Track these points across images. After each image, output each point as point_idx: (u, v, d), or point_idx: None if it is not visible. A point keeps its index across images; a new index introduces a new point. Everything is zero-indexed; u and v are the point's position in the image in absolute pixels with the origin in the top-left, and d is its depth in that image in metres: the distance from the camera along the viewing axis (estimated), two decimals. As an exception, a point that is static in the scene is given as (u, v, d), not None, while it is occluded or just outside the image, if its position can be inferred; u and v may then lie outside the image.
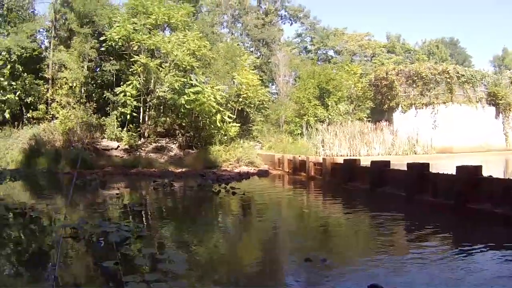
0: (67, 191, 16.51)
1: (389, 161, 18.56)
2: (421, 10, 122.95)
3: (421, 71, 40.81)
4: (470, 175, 12.75)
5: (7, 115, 34.01)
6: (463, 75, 41.30)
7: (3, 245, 9.72)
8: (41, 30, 39.98)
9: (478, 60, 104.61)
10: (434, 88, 40.69)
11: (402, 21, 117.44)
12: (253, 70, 40.46)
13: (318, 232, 11.82)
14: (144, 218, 13.66)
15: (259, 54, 56.80)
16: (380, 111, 40.79)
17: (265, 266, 8.67)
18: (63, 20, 37.25)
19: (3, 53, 33.67)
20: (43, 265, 8.39)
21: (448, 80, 40.59)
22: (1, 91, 33.80)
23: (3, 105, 34.08)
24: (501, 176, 17.46)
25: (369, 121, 38.08)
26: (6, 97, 33.57)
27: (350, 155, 31.70)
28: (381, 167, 17.84)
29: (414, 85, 40.86)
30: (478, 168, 12.99)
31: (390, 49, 71.46)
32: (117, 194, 18.47)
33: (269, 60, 53.86)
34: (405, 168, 15.75)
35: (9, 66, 33.83)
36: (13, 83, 33.86)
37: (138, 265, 7.81)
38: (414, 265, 8.07)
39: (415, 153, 35.04)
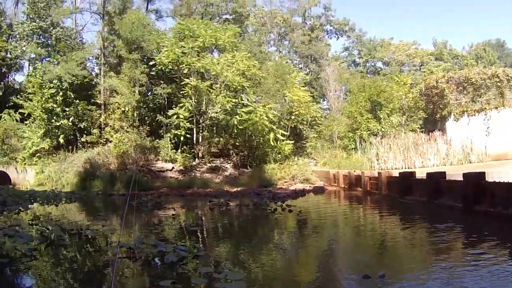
0: (122, 212, 16.51)
1: (444, 172, 18.12)
2: (465, 13, 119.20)
3: (471, 76, 39.69)
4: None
5: (61, 140, 34.79)
6: (513, 78, 39.93)
7: (60, 265, 9.67)
8: (90, 57, 41.23)
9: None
10: (485, 93, 39.49)
11: (447, 27, 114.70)
12: (303, 86, 40.48)
13: (375, 248, 11.42)
14: (200, 238, 13.43)
15: (308, 70, 56.73)
16: (433, 120, 39.88)
17: (323, 283, 8.31)
18: (112, 47, 38.21)
19: (55, 81, 34.57)
20: (99, 284, 8.26)
21: (498, 84, 39.26)
22: (55, 117, 34.66)
23: (57, 131, 34.92)
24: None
25: (422, 131, 37.28)
26: (60, 123, 34.40)
27: (405, 168, 31.06)
28: (437, 179, 17.39)
29: (465, 92, 39.73)
30: (536, 175, 12.32)
31: (437, 56, 70.21)
32: (173, 214, 18.35)
33: (318, 76, 53.63)
34: (461, 178, 15.17)
35: (61, 93, 34.70)
36: (67, 109, 34.68)
37: (195, 285, 7.57)
38: (472, 278, 7.61)
39: (470, 162, 33.99)
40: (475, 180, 14.37)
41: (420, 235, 12.56)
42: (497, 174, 17.52)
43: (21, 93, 38.28)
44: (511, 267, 8.37)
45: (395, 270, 8.74)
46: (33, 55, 43.59)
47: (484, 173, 14.82)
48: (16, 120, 38.26)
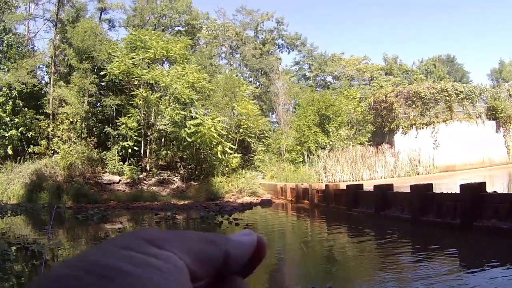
0: (68, 225, 16.40)
1: (392, 184, 18.52)
2: (416, 29, 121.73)
3: (420, 91, 40.77)
4: (474, 193, 12.52)
5: (9, 151, 34.04)
6: (462, 92, 41.04)
7: (5, 280, 9.63)
8: (41, 66, 40.50)
9: (476, 75, 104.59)
10: (434, 107, 40.63)
11: (398, 42, 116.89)
12: (252, 100, 40.66)
13: (323, 260, 11.65)
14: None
15: (258, 84, 57.10)
16: (381, 134, 40.63)
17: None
18: (63, 56, 37.70)
19: (4, 88, 33.90)
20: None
21: (447, 98, 40.46)
22: (3, 127, 33.94)
23: (5, 141, 34.17)
24: (506, 191, 17.37)
25: (370, 145, 37.75)
26: (9, 133, 33.71)
27: (353, 180, 31.38)
28: (384, 191, 17.71)
29: (414, 106, 40.70)
30: (482, 185, 12.79)
31: (387, 71, 71.60)
32: (119, 228, 18.35)
33: (268, 89, 53.90)
34: (409, 190, 15.67)
35: (10, 102, 34.04)
36: (15, 118, 34.02)
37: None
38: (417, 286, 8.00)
39: (418, 174, 34.56)
40: (423, 191, 14.84)
41: (366, 246, 12.87)
42: (445, 185, 18.16)
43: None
44: (458, 273, 8.94)
45: (342, 281, 9.06)
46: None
47: (431, 184, 15.39)
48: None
